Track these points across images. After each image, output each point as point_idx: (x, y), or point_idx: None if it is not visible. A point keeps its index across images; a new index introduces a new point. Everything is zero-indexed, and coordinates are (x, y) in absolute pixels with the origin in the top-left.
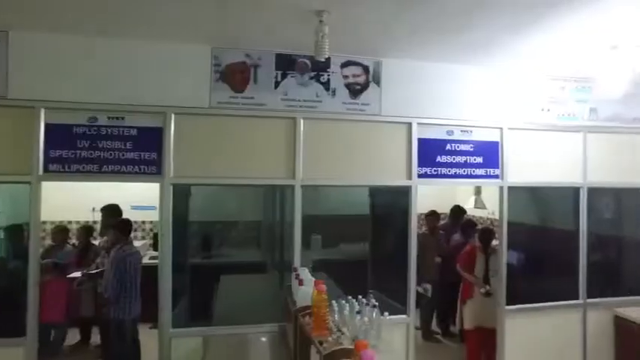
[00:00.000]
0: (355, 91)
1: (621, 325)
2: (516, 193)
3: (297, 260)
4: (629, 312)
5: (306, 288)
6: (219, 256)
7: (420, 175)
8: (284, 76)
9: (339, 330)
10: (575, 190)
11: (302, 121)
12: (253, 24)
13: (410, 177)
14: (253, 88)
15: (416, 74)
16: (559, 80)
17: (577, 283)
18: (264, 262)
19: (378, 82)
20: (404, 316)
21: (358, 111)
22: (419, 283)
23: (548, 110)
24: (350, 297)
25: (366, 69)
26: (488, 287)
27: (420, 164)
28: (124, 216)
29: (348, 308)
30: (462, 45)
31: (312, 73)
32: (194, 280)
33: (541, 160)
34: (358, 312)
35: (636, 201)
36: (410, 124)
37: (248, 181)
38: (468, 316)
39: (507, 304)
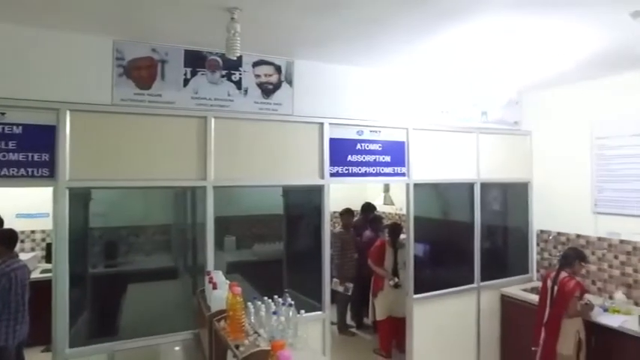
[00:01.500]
0: (267, 90)
1: (506, 301)
2: (421, 189)
3: (210, 263)
4: (512, 290)
5: (221, 291)
6: (125, 263)
7: (332, 174)
8: (194, 74)
9: (256, 332)
10: (471, 186)
11: (213, 120)
12: (160, 18)
13: (322, 176)
14: (160, 85)
15: (327, 75)
16: (457, 85)
17: (473, 269)
18: (175, 268)
19: (290, 82)
20: (319, 312)
21: (271, 111)
22: (342, 282)
23: (448, 112)
24: (266, 298)
25: (278, 69)
26: (396, 279)
27: (332, 163)
28: (7, 226)
29: (264, 309)
30: (371, 49)
31: (224, 72)
32: (96, 292)
33: (442, 158)
34: (274, 312)
35: (518, 194)
36: (322, 124)
37: (156, 183)
38: (380, 307)
39: (415, 293)
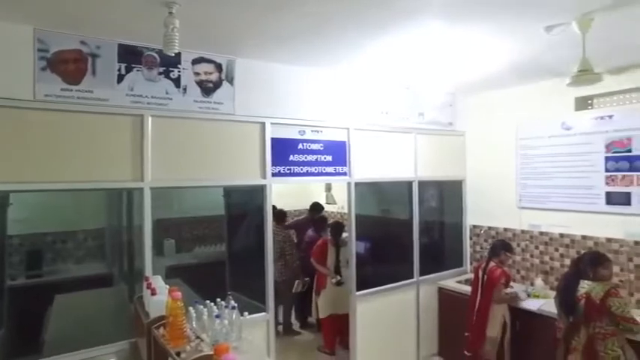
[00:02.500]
0: (208, 89)
1: (443, 294)
2: (362, 188)
3: (148, 268)
4: (448, 283)
5: (160, 297)
6: (52, 273)
7: (274, 174)
8: (129, 70)
9: (198, 337)
10: (409, 184)
11: (150, 119)
12: (90, 8)
13: (264, 176)
14: (91, 81)
15: (269, 75)
16: (395, 87)
17: (412, 265)
18: (110, 274)
19: (231, 81)
20: (263, 313)
21: (211, 110)
22: (298, 278)
23: (387, 113)
24: (208, 301)
25: (218, 67)
26: (339, 277)
27: (274, 163)
28: None
29: (206, 313)
30: (313, 50)
31: (162, 69)
32: (16, 306)
33: (382, 157)
34: (217, 315)
35: (453, 191)
36: (263, 123)
37: (88, 186)
38: (323, 305)
39: (357, 290)
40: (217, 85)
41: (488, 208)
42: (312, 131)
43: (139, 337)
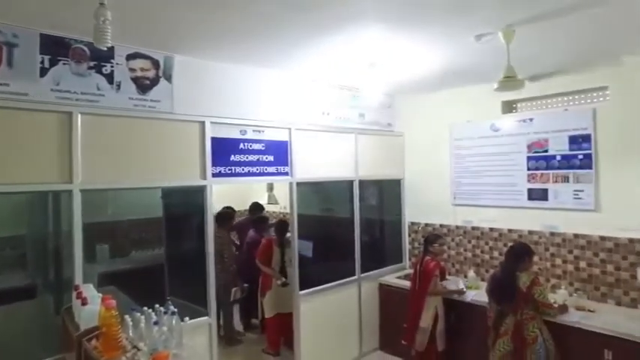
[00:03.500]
0: (144, 86)
1: (383, 289)
2: (304, 187)
3: (78, 276)
4: (389, 279)
5: (92, 307)
6: None
7: (214, 175)
8: (54, 63)
9: (135, 346)
10: (350, 183)
11: (80, 116)
12: None
13: (204, 176)
14: (8, 74)
15: (210, 73)
16: (337, 88)
17: (354, 262)
18: (32, 285)
19: (169, 79)
20: (205, 317)
21: (147, 108)
22: (235, 285)
23: (328, 114)
24: (146, 308)
25: (156, 63)
26: (284, 279)
27: (215, 163)
28: None
29: (144, 320)
30: (255, 49)
31: (92, 63)
32: None
33: (323, 157)
34: (156, 322)
35: (392, 190)
36: (203, 122)
37: (5, 189)
38: (268, 305)
39: (301, 289)
40: (154, 82)
41: (425, 206)
42: (254, 131)
43: (67, 352)
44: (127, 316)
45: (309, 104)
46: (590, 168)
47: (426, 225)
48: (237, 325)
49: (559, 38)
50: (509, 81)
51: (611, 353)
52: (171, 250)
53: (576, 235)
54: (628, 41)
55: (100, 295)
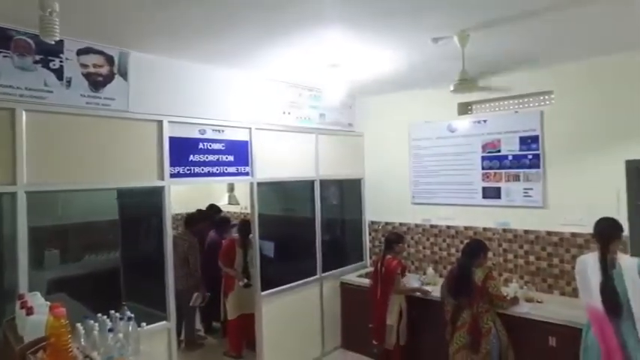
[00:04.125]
0: (97, 83)
1: (345, 288)
2: (265, 187)
3: (23, 285)
4: (350, 277)
5: (38, 317)
6: None
7: (172, 175)
8: None
9: (88, 356)
10: (311, 183)
11: (24, 113)
12: None
13: (162, 177)
14: None
15: (168, 70)
16: (297, 88)
17: (315, 262)
18: None
19: (124, 76)
20: (164, 322)
21: (101, 106)
22: (198, 290)
23: (289, 113)
24: (100, 314)
25: (110, 59)
26: (246, 280)
27: (173, 164)
28: None
29: (97, 328)
30: (215, 47)
31: (38, 57)
32: None
33: (284, 157)
34: (110, 329)
35: (353, 189)
36: (161, 122)
37: None
38: (231, 307)
39: (262, 289)
40: (108, 79)
41: (385, 205)
42: (214, 131)
43: None
44: (78, 325)
45: (270, 104)
46: (539, 167)
47: (386, 224)
48: (199, 327)
49: (510, 44)
50: (464, 83)
51: (555, 339)
52: (127, 254)
53: (526, 231)
54: (569, 49)
55: (49, 303)
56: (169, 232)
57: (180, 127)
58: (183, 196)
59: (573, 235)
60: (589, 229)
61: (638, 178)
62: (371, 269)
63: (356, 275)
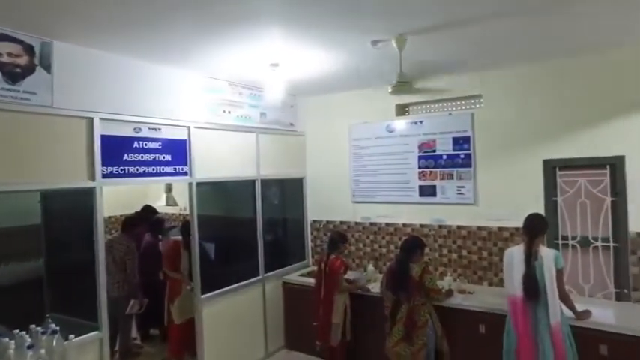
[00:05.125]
0: (14, 74)
1: (287, 287)
2: (204, 188)
3: None
4: (292, 277)
5: None
6: None
7: (105, 175)
8: None
9: None
10: (252, 183)
11: None
12: None
13: (93, 178)
14: None
15: (99, 64)
16: (237, 87)
17: (257, 262)
18: None
19: (47, 68)
20: (96, 332)
21: (19, 100)
22: (136, 297)
23: (229, 112)
24: (18, 330)
25: (29, 49)
26: (192, 283)
27: (105, 163)
28: None
29: (14, 345)
30: (151, 42)
31: None
32: None
33: (224, 157)
34: (30, 346)
35: (295, 188)
36: (91, 119)
37: None
38: (178, 312)
39: (204, 292)
40: (28, 70)
41: (326, 204)
42: (150, 129)
43: None
44: None
45: (210, 102)
46: (470, 167)
47: (328, 222)
48: (134, 336)
49: (444, 49)
50: (401, 85)
51: (484, 326)
52: (52, 261)
53: (459, 227)
54: (495, 56)
55: None
56: (101, 236)
57: (114, 125)
58: (118, 197)
59: (500, 229)
60: (514, 223)
61: (554, 177)
62: (313, 268)
63: (298, 274)
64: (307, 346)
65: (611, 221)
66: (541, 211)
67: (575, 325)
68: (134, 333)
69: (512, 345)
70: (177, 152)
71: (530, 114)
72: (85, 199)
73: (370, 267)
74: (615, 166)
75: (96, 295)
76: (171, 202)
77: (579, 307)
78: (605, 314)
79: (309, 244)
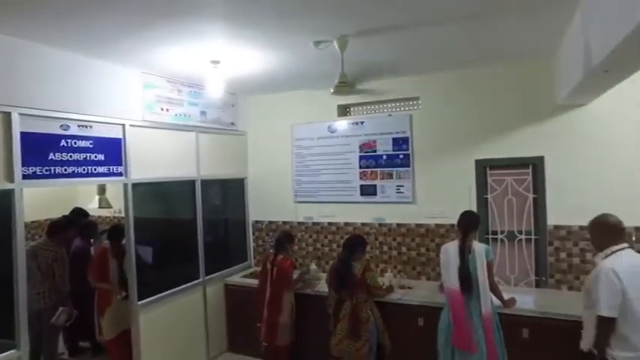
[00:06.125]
0: None
1: (229, 290)
2: (141, 189)
3: None
4: (235, 279)
5: None
6: None
7: (26, 176)
8: None
9: None
10: (192, 183)
11: None
12: None
13: (11, 179)
14: None
15: (19, 54)
16: (176, 84)
17: (198, 265)
18: None
19: None
20: (12, 351)
21: None
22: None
23: (167, 110)
24: None
25: None
26: (125, 293)
27: (27, 163)
28: None
29: None
30: (81, 34)
31: None
32: None
33: (163, 156)
34: None
35: (236, 189)
36: (9, 114)
37: None
38: (110, 326)
39: (140, 299)
40: None
41: (268, 204)
42: (80, 126)
43: None
44: None
45: (147, 99)
46: (409, 166)
47: (270, 223)
48: (62, 351)
49: (384, 52)
50: (343, 86)
51: (423, 319)
52: None
53: (399, 225)
54: (432, 61)
55: None
56: (21, 243)
57: (36, 122)
58: (45, 200)
59: (437, 226)
60: (449, 220)
61: (485, 175)
62: (256, 269)
63: (241, 276)
64: (251, 347)
65: (532, 216)
66: (474, 208)
67: (502, 312)
68: (61, 347)
69: (449, 334)
70: (111, 151)
71: (464, 116)
72: (2, 201)
73: (313, 266)
74: (536, 165)
75: (13, 308)
76: (104, 204)
77: (506, 297)
78: (526, 300)
79: (252, 245)
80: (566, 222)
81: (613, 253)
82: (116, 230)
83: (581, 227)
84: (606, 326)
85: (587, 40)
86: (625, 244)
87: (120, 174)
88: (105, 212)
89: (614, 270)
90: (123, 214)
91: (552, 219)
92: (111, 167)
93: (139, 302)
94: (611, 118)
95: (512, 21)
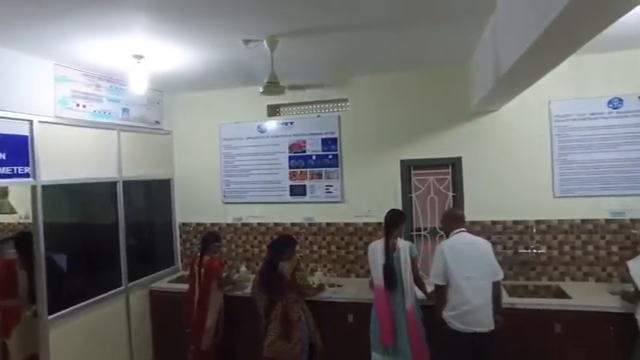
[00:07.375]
0: None
1: (155, 296)
2: (54, 191)
3: None
4: (161, 284)
5: None
6: None
7: None
8: None
9: None
10: (113, 184)
11: None
12: None
13: None
14: None
15: None
16: (94, 78)
17: (120, 271)
18: None
19: None
20: None
21: None
22: None
23: (84, 106)
24: None
25: None
26: (34, 307)
27: None
28: None
29: None
30: None
31: None
32: None
33: (79, 156)
34: None
35: (161, 190)
36: None
37: None
38: (17, 348)
39: (51, 312)
40: None
41: (196, 205)
42: None
43: None
44: None
45: (60, 94)
46: (337, 166)
47: (198, 224)
48: None
49: (314, 53)
50: (272, 86)
51: (353, 316)
52: None
53: (328, 224)
54: (360, 64)
55: None
56: None
57: None
58: None
59: (365, 224)
60: (376, 219)
61: (409, 175)
62: (184, 273)
63: (167, 281)
64: (178, 355)
65: None
66: (399, 206)
67: (425, 304)
68: None
69: (377, 328)
70: (15, 150)
71: (390, 118)
72: None
73: (243, 268)
74: (455, 165)
75: None
76: (6, 209)
77: (429, 289)
78: None
79: (179, 248)
80: (480, 218)
81: (452, 235)
82: (25, 238)
83: (493, 222)
84: (436, 291)
85: (497, 51)
86: (462, 229)
87: (26, 175)
88: (7, 218)
89: (441, 247)
90: (31, 220)
91: (469, 215)
92: (15, 168)
93: (50, 317)
94: (518, 120)
95: (431, 31)
